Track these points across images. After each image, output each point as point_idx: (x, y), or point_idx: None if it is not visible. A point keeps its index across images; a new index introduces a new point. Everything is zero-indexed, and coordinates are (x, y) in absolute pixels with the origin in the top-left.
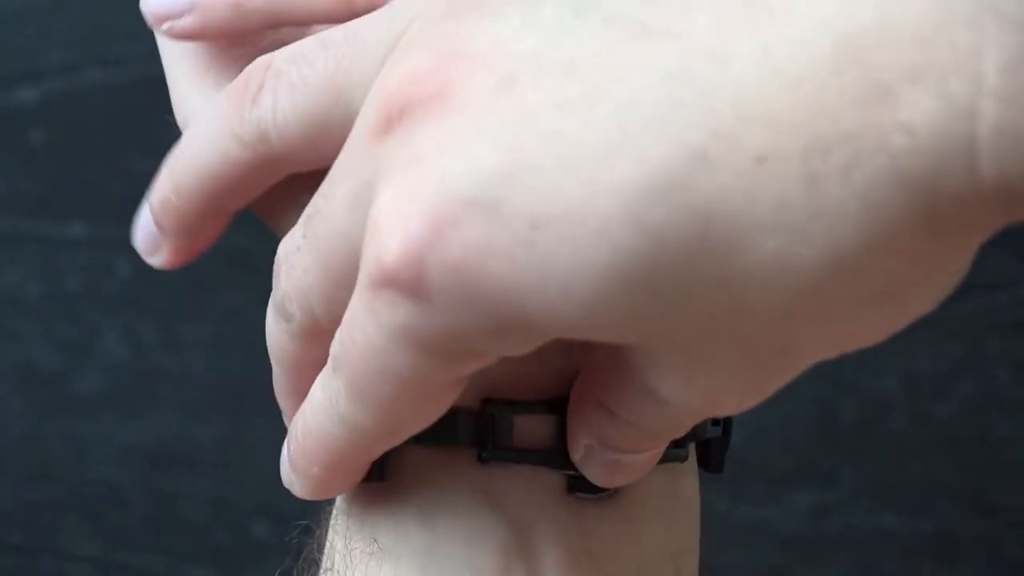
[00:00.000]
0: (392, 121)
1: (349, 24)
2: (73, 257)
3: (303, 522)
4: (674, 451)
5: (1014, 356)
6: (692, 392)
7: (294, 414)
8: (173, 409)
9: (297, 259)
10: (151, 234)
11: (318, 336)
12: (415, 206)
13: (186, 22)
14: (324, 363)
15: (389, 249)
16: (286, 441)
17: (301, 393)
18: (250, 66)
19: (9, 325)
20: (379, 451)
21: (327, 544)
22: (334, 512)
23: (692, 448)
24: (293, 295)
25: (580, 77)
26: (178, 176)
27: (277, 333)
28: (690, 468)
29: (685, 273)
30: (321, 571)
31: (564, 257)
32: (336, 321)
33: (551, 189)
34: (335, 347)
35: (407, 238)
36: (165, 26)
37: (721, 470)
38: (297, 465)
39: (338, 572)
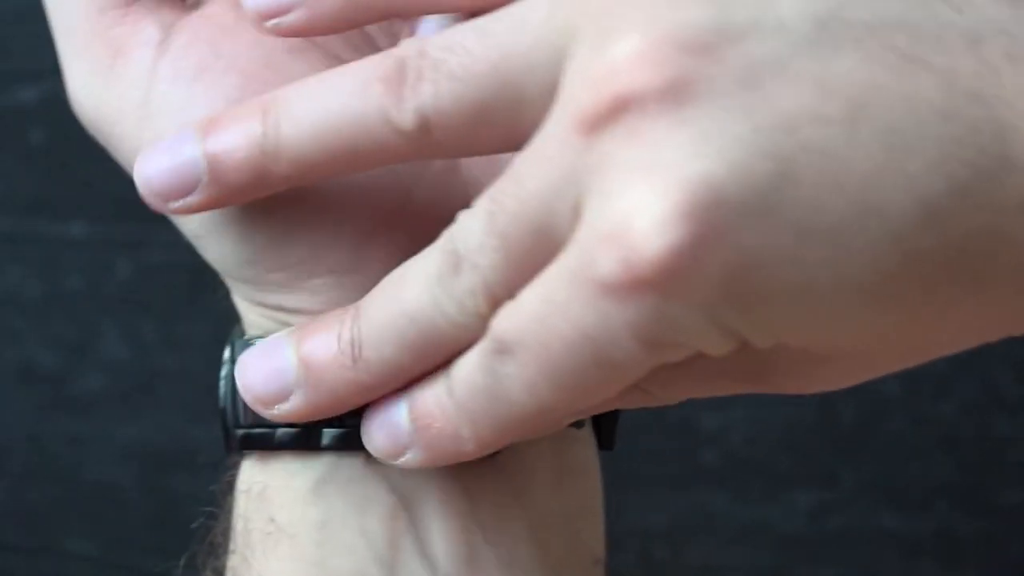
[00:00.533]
0: (608, 114)
1: (505, 8)
2: (73, 257)
3: (208, 508)
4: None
5: (1014, 356)
6: (805, 384)
7: (358, 396)
8: (173, 409)
9: (481, 256)
10: (192, 170)
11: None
12: (677, 210)
13: (293, 18)
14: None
15: (644, 252)
16: (394, 419)
17: (412, 375)
18: (397, 51)
19: (9, 325)
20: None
21: (232, 527)
22: (235, 495)
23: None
24: (479, 291)
25: (838, 94)
26: (300, 145)
27: (443, 325)
28: (584, 437)
29: (931, 299)
30: (228, 554)
31: (827, 275)
32: None
33: (817, 204)
34: (514, 333)
35: (670, 243)
36: (271, 23)
37: (612, 446)
38: (438, 448)
39: (240, 554)
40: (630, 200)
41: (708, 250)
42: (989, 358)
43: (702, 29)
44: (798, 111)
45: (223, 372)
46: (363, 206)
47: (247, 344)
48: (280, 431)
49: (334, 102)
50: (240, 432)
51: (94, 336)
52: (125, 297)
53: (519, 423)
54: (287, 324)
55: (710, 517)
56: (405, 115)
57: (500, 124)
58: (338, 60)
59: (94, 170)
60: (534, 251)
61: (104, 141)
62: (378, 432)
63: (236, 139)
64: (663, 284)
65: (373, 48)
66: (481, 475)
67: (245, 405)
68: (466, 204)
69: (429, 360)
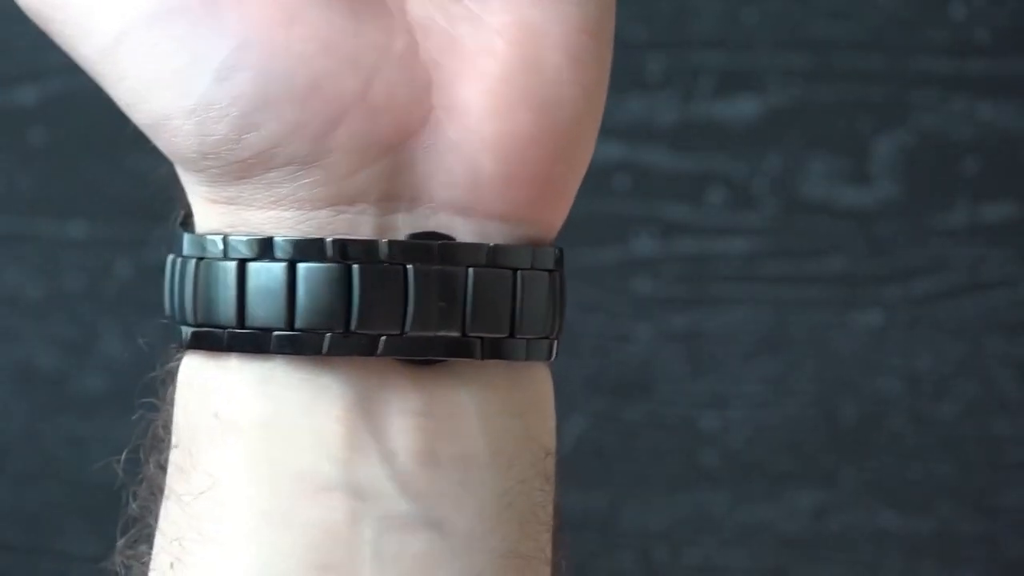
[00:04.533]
0: None
1: None
2: (73, 257)
3: (147, 400)
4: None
5: (1014, 356)
6: None
7: None
8: None
9: None
10: None
11: None
12: None
13: None
14: None
15: None
16: None
17: None
18: None
19: (9, 325)
20: None
21: (173, 420)
22: (176, 387)
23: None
24: None
25: None
26: None
27: None
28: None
29: None
30: (171, 448)
31: None
32: None
33: None
34: None
35: None
36: None
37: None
38: None
39: (184, 448)
40: None
41: None
42: (989, 358)
43: None
44: None
45: (168, 267)
46: (323, 96)
47: (196, 241)
48: (229, 331)
49: None
50: (189, 330)
51: (94, 336)
52: (125, 297)
53: None
54: (239, 222)
55: (710, 517)
56: None
57: None
58: None
59: (94, 170)
60: None
61: (45, 27)
62: None
63: None
64: None
65: None
66: (434, 377)
67: (195, 302)
68: (427, 89)
69: None
